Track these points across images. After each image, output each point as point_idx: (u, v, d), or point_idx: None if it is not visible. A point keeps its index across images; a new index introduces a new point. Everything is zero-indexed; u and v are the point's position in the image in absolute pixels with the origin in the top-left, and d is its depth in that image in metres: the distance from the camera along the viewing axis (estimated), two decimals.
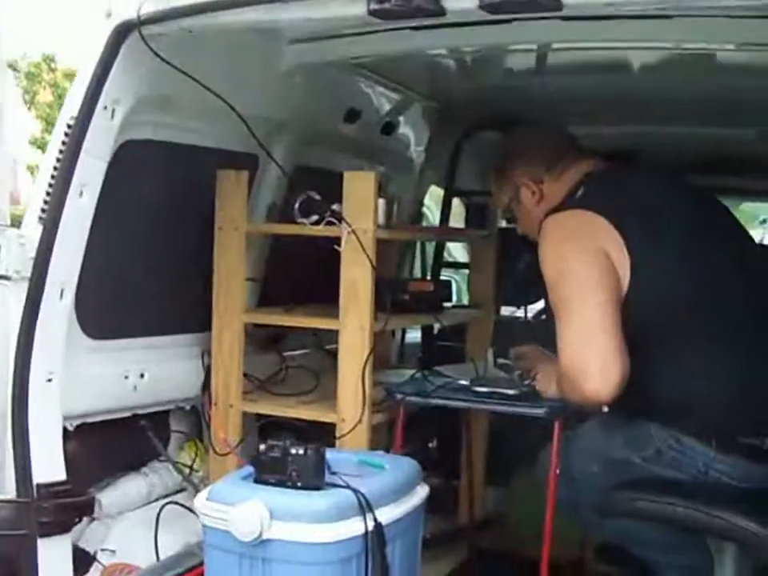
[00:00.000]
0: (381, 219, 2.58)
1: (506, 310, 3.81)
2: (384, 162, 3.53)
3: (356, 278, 2.52)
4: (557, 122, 3.50)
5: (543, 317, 3.95)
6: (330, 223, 2.56)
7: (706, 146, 3.58)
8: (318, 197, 2.71)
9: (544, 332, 3.87)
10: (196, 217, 2.73)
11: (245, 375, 2.81)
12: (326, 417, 2.61)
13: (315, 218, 2.67)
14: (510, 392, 2.49)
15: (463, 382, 2.64)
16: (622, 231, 2.24)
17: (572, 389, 2.22)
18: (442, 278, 3.91)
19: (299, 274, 3.08)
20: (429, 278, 3.89)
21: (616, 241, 2.24)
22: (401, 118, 3.41)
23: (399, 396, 2.59)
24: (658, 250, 2.27)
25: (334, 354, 2.67)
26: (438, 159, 3.77)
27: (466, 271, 4.10)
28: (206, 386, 2.76)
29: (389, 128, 3.36)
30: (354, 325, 2.53)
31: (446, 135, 3.73)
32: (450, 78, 3.25)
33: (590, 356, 2.17)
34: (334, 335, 2.62)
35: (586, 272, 2.23)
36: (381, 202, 2.57)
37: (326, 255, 2.55)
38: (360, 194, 2.52)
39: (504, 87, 3.36)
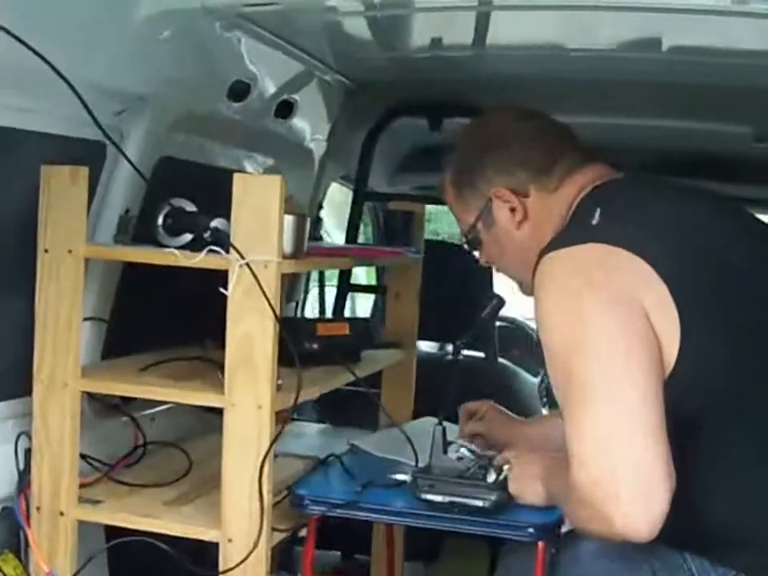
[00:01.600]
0: (288, 246, 1.75)
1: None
2: (276, 154, 2.70)
3: (252, 332, 1.69)
4: None
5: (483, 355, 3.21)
6: (212, 251, 1.73)
7: (687, 144, 2.91)
8: (191, 207, 1.88)
9: (484, 375, 3.17)
10: (9, 234, 1.85)
11: (83, 458, 1.95)
12: (204, 533, 1.77)
13: (188, 237, 1.84)
14: (478, 503, 1.71)
15: (402, 478, 1.85)
16: (666, 279, 1.49)
17: (593, 518, 1.46)
18: (358, 314, 3.10)
19: (170, 312, 2.24)
20: (329, 308, 3.09)
21: (660, 294, 1.48)
22: (298, 96, 2.58)
23: (313, 508, 1.78)
24: (716, 307, 1.53)
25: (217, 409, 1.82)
26: (344, 151, 2.95)
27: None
28: (24, 481, 1.88)
29: (285, 109, 2.53)
30: (247, 402, 1.70)
31: (357, 120, 2.91)
32: (364, 46, 2.46)
33: (625, 471, 1.41)
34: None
35: (617, 340, 1.46)
36: (289, 219, 1.74)
37: (212, 284, 1.73)
38: (259, 209, 1.68)
39: (434, 61, 2.60)
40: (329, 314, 3.44)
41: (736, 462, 1.54)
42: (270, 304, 1.67)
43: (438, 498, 1.72)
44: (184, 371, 1.94)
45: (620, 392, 1.44)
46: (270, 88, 2.37)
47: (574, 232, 1.60)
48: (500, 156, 1.76)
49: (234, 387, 1.71)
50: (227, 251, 1.70)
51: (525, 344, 4.46)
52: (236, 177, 1.69)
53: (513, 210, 1.76)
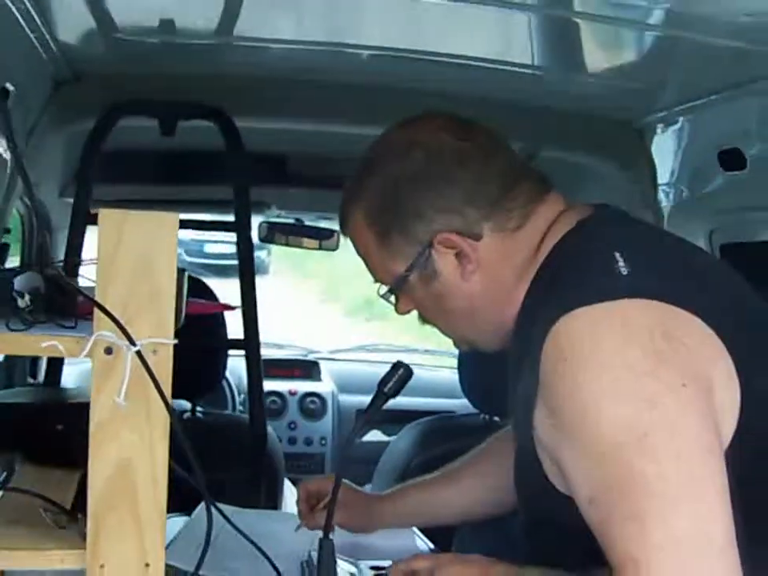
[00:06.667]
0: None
1: None
2: None
3: (134, 454, 1.10)
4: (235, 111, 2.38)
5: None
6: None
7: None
8: None
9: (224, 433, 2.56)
10: None
11: None
12: None
13: None
14: None
15: None
16: (727, 345, 1.18)
17: None
18: None
19: None
20: None
21: (726, 366, 1.17)
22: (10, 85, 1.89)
23: None
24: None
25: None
26: (46, 158, 2.26)
27: None
28: None
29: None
30: (125, 559, 1.10)
31: (60, 120, 2.24)
32: (80, 23, 1.90)
33: None
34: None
35: (696, 432, 1.12)
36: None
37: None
38: (143, 263, 1.09)
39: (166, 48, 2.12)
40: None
41: None
42: (168, 408, 1.09)
43: None
44: None
45: (701, 498, 1.11)
46: None
47: (599, 281, 1.22)
48: (442, 190, 1.32)
49: (100, 539, 1.09)
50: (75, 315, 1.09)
51: None
52: (104, 213, 1.08)
53: (460, 257, 1.34)
